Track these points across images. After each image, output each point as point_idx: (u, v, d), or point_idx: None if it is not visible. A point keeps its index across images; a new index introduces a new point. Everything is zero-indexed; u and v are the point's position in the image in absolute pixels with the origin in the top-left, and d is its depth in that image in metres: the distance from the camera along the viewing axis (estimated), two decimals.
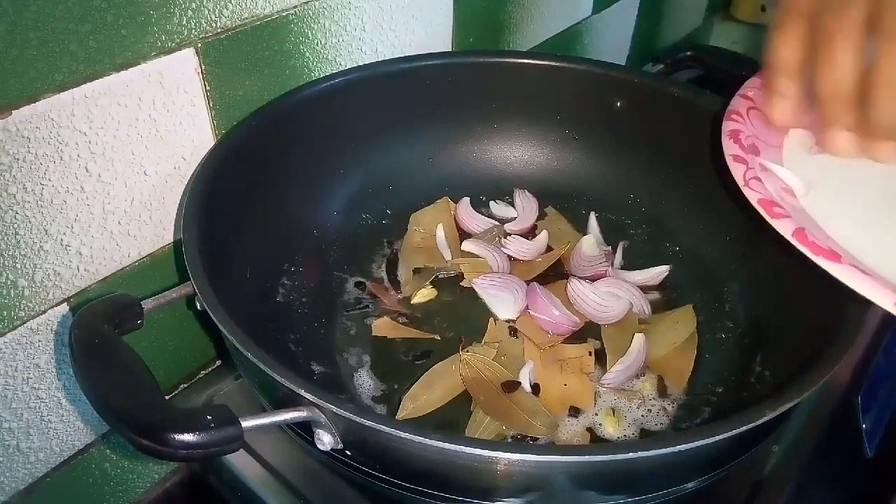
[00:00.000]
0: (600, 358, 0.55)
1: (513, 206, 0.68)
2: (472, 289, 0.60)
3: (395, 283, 0.61)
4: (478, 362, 0.52)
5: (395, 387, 0.53)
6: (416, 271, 0.61)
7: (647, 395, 0.52)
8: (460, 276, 0.61)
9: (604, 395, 0.52)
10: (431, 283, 0.60)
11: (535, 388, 0.52)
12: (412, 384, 0.52)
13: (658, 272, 0.61)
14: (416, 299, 0.59)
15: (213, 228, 0.47)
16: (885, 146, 0.42)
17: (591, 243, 0.63)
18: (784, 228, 0.39)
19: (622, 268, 0.63)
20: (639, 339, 0.54)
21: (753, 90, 0.50)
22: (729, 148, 0.45)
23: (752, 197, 0.41)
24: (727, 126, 0.47)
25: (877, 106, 0.39)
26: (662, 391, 0.53)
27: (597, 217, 0.67)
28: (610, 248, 0.64)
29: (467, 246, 0.62)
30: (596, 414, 0.51)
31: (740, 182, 0.43)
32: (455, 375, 0.52)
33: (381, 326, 0.57)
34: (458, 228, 0.66)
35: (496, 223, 0.66)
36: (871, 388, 0.55)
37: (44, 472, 0.51)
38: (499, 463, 0.35)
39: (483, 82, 0.65)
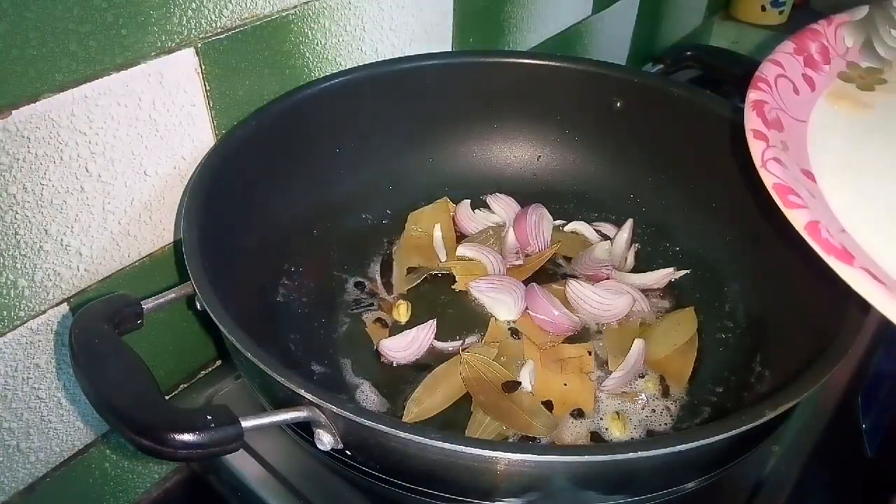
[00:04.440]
0: (601, 359, 0.55)
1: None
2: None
3: (389, 285, 0.61)
4: (478, 362, 0.52)
5: (398, 389, 0.53)
6: (411, 270, 0.61)
7: (649, 395, 0.52)
8: (455, 278, 0.61)
9: (606, 399, 0.52)
10: (424, 281, 0.60)
11: (549, 406, 0.51)
12: (415, 387, 0.52)
13: (663, 275, 0.61)
14: (395, 315, 0.58)
15: (213, 228, 0.47)
16: None
17: (604, 249, 0.63)
18: (797, 220, 0.35)
19: (633, 271, 0.62)
20: (638, 343, 0.53)
21: (785, 55, 0.45)
22: (750, 121, 0.40)
23: (768, 180, 0.37)
24: (752, 96, 0.42)
25: None
26: (665, 391, 0.52)
27: (590, 219, 0.66)
28: (633, 253, 0.64)
29: (462, 250, 0.62)
30: (601, 418, 0.51)
31: (757, 162, 0.38)
32: (457, 377, 0.52)
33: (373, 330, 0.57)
34: (457, 230, 0.66)
35: (493, 224, 0.66)
36: (871, 388, 0.55)
37: (44, 472, 0.51)
38: (499, 463, 0.35)
39: (483, 82, 0.65)
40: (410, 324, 0.57)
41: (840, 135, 0.43)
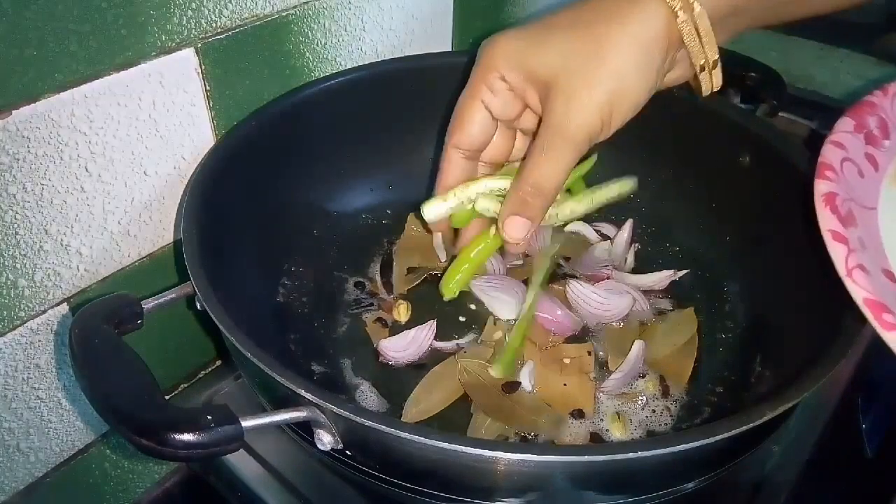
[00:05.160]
0: (601, 359, 0.55)
1: None
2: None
3: (389, 285, 0.61)
4: (475, 367, 0.52)
5: (398, 389, 0.53)
6: (411, 270, 0.61)
7: (649, 395, 0.52)
8: None
9: (607, 400, 0.52)
10: (424, 281, 0.60)
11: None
12: (413, 388, 0.51)
13: (663, 276, 0.60)
14: (395, 315, 0.58)
15: (213, 228, 0.47)
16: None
17: (604, 249, 0.63)
18: None
19: (633, 271, 0.62)
20: (638, 345, 0.53)
21: (846, 135, 0.42)
22: (825, 220, 0.37)
23: (857, 294, 0.34)
24: (821, 188, 0.38)
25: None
26: (665, 391, 0.52)
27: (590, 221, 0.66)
28: (632, 253, 0.64)
29: None
30: (601, 419, 0.51)
31: (842, 271, 0.35)
32: (455, 377, 0.52)
33: (372, 329, 0.57)
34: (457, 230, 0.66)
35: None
36: (871, 388, 0.55)
37: (44, 472, 0.51)
38: (499, 463, 0.35)
39: None
40: (410, 324, 0.57)
41: None
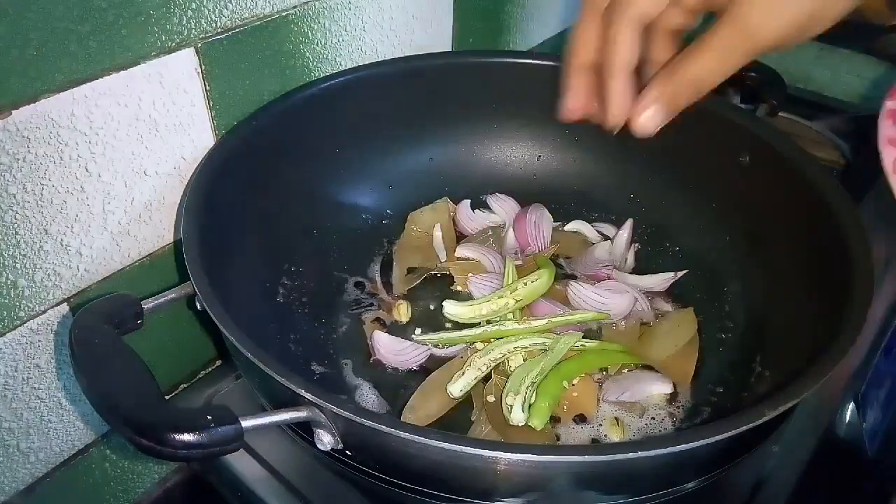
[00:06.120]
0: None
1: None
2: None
3: (389, 285, 0.61)
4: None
5: (398, 390, 0.53)
6: (411, 270, 0.61)
7: (653, 404, 0.52)
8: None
9: (607, 406, 0.51)
10: (424, 281, 0.60)
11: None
12: (415, 388, 0.51)
13: (664, 278, 0.60)
14: (395, 315, 0.58)
15: (213, 228, 0.47)
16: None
17: (604, 249, 0.63)
18: None
19: (633, 271, 0.62)
20: (642, 384, 0.52)
21: None
22: (885, 128, 0.42)
23: (895, 186, 0.39)
24: (889, 105, 0.43)
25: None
26: (673, 398, 0.52)
27: (589, 219, 0.67)
28: (632, 253, 0.64)
29: (462, 251, 0.62)
30: (600, 424, 0.50)
31: (888, 169, 0.40)
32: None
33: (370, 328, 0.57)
34: (457, 230, 0.66)
35: (493, 225, 0.66)
36: (871, 388, 0.55)
37: (44, 472, 0.51)
38: (499, 463, 0.35)
39: (483, 82, 0.65)
40: (411, 324, 0.57)
41: None
